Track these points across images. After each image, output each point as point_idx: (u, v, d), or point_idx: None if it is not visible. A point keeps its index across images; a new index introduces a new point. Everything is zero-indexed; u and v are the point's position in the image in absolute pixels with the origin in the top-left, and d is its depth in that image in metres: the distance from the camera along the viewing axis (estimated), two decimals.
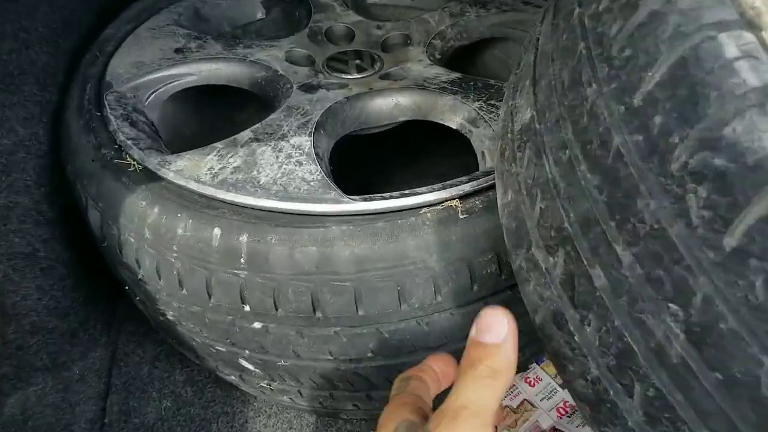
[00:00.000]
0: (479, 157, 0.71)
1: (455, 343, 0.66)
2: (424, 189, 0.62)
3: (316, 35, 0.91)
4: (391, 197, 0.61)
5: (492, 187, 0.62)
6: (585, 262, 0.37)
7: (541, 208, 0.41)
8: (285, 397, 0.76)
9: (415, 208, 0.61)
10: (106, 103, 0.75)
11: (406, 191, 0.62)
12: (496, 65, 1.00)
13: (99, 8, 0.94)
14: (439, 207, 0.60)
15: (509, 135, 0.49)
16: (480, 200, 0.61)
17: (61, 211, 0.82)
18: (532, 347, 0.75)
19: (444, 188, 0.62)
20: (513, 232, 0.46)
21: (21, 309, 0.80)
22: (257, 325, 0.64)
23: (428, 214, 0.60)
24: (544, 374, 0.87)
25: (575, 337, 0.39)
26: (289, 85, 0.79)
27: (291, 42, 0.88)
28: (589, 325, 0.38)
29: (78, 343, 0.89)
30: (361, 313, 0.61)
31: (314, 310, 0.61)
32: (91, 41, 0.88)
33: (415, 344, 0.65)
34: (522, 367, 0.84)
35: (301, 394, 0.74)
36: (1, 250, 0.76)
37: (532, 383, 0.86)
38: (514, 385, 0.86)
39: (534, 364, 0.87)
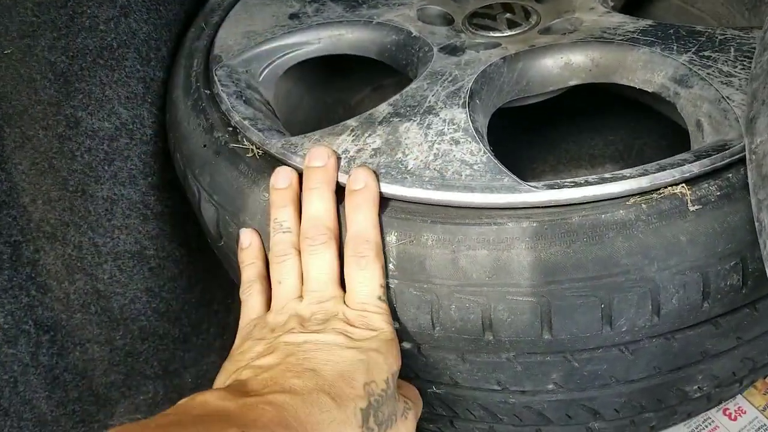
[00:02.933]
0: (692, 128, 0.54)
1: (665, 375, 0.51)
2: (632, 171, 0.46)
3: None
4: (588, 183, 0.46)
5: (731, 166, 0.46)
6: None
7: None
8: (432, 426, 0.63)
9: (623, 197, 0.45)
10: (216, 78, 0.65)
11: (607, 175, 0.46)
12: (671, 17, 0.81)
13: None
14: (657, 195, 0.45)
15: None
16: (716, 185, 0.45)
17: (170, 204, 0.72)
18: (752, 376, 0.57)
19: (661, 169, 0.45)
20: None
21: (129, 313, 0.71)
22: (406, 345, 0.51)
23: (643, 206, 0.44)
24: (749, 405, 0.69)
25: None
26: (427, 48, 0.65)
27: None
28: None
29: (191, 349, 0.80)
30: (546, 337, 0.46)
31: (484, 332, 0.47)
32: (195, 13, 0.79)
33: (612, 376, 0.50)
34: (730, 398, 0.67)
35: (452, 424, 0.60)
36: (106, 248, 0.68)
37: (733, 416, 0.68)
38: (709, 418, 0.68)
39: None
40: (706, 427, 0.68)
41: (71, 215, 0.65)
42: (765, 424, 0.67)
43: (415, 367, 0.52)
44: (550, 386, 0.50)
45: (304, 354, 0.44)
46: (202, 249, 0.76)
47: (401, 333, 0.49)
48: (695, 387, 0.53)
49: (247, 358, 0.45)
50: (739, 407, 0.69)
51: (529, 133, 0.95)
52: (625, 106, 0.91)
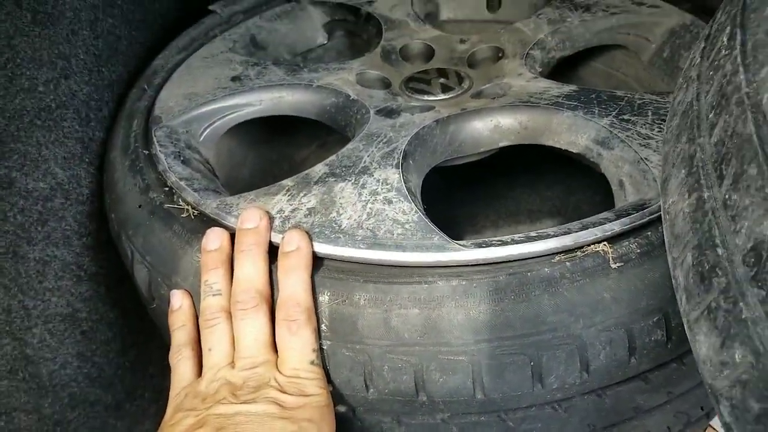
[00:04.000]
0: (616, 187, 0.57)
1: None
2: (556, 230, 0.48)
3: (390, 55, 0.79)
4: (514, 242, 0.47)
5: (651, 224, 0.48)
6: None
7: None
8: None
9: (548, 255, 0.46)
10: (154, 139, 0.65)
11: (533, 234, 0.48)
12: (598, 80, 0.86)
13: (146, 39, 0.85)
14: (581, 254, 0.46)
15: (719, 250, 0.35)
16: (636, 243, 0.47)
17: (105, 265, 0.71)
18: (688, 431, 0.59)
19: (584, 228, 0.47)
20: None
21: (59, 379, 0.68)
22: (341, 408, 0.50)
23: (568, 264, 0.45)
24: None
25: None
26: (364, 111, 0.67)
27: (362, 63, 0.76)
28: None
29: (124, 416, 0.77)
30: (479, 396, 0.46)
31: (417, 392, 0.47)
32: (138, 75, 0.79)
33: None
34: None
35: None
36: (36, 311, 0.65)
37: None
38: None
39: None
40: None
41: (0, 278, 0.63)
42: None
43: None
44: None
45: (235, 427, 0.43)
46: (137, 310, 0.74)
47: (335, 396, 0.49)
48: None
49: (177, 431, 0.44)
50: None
51: (470, 191, 0.97)
52: (559, 163, 0.94)
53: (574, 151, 0.61)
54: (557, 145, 0.62)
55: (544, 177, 0.98)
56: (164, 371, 0.81)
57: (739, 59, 0.38)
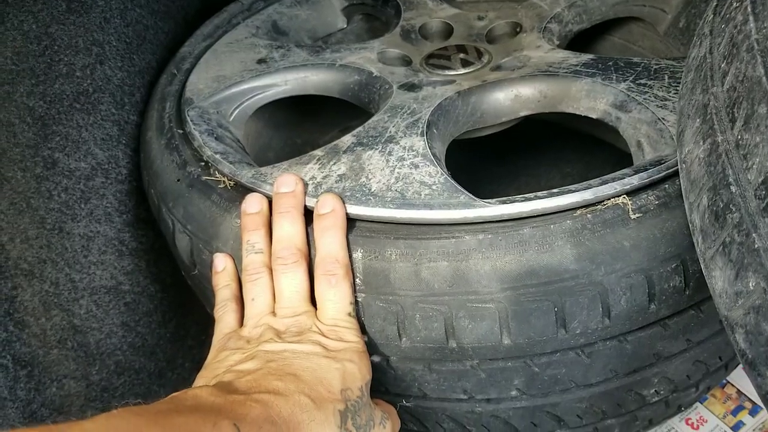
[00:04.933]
0: (634, 148, 0.59)
1: (621, 378, 0.53)
2: (577, 186, 0.50)
3: (409, 34, 0.81)
4: (537, 197, 0.49)
5: (668, 178, 0.50)
6: None
7: None
8: None
9: (570, 209, 0.49)
10: (188, 118, 0.68)
11: (555, 190, 0.50)
12: (615, 54, 0.87)
13: (169, 30, 0.88)
14: (601, 207, 0.48)
15: (733, 188, 0.37)
16: (654, 195, 0.49)
17: (144, 241, 0.74)
18: (707, 381, 0.60)
19: (604, 183, 0.50)
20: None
21: (105, 348, 0.72)
22: (375, 358, 0.53)
23: (589, 216, 0.48)
24: (710, 414, 0.71)
25: None
26: (387, 86, 0.69)
27: (382, 43, 0.79)
28: None
29: (166, 384, 0.81)
30: (506, 342, 0.49)
31: (447, 339, 0.49)
32: (165, 64, 0.83)
33: (572, 380, 0.52)
34: (688, 404, 0.70)
35: None
36: (82, 284, 0.69)
37: (695, 425, 0.71)
38: (673, 428, 0.71)
39: (696, 403, 0.73)
40: None
41: (48, 252, 0.66)
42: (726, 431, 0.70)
43: (384, 381, 0.55)
44: (514, 393, 0.53)
45: (284, 361, 0.46)
46: (176, 285, 0.78)
47: (371, 346, 0.52)
48: (652, 391, 0.56)
49: (226, 365, 0.47)
50: (701, 416, 0.72)
51: (492, 168, 1.00)
52: (579, 141, 0.96)
53: (593, 117, 0.63)
54: (577, 111, 0.64)
55: (565, 154, 0.99)
56: (202, 343, 0.85)
57: (749, 9, 0.40)
